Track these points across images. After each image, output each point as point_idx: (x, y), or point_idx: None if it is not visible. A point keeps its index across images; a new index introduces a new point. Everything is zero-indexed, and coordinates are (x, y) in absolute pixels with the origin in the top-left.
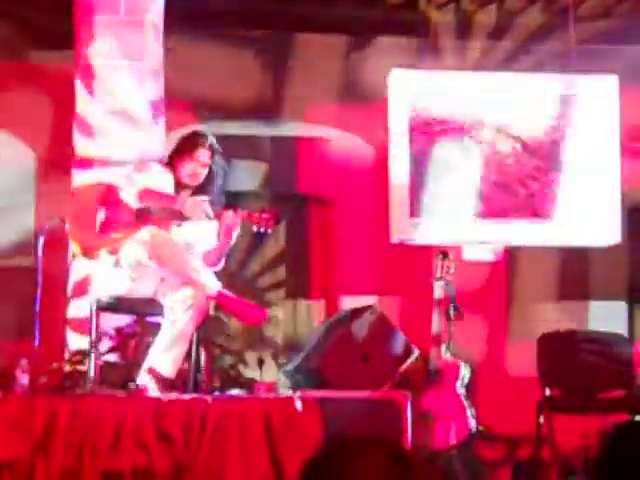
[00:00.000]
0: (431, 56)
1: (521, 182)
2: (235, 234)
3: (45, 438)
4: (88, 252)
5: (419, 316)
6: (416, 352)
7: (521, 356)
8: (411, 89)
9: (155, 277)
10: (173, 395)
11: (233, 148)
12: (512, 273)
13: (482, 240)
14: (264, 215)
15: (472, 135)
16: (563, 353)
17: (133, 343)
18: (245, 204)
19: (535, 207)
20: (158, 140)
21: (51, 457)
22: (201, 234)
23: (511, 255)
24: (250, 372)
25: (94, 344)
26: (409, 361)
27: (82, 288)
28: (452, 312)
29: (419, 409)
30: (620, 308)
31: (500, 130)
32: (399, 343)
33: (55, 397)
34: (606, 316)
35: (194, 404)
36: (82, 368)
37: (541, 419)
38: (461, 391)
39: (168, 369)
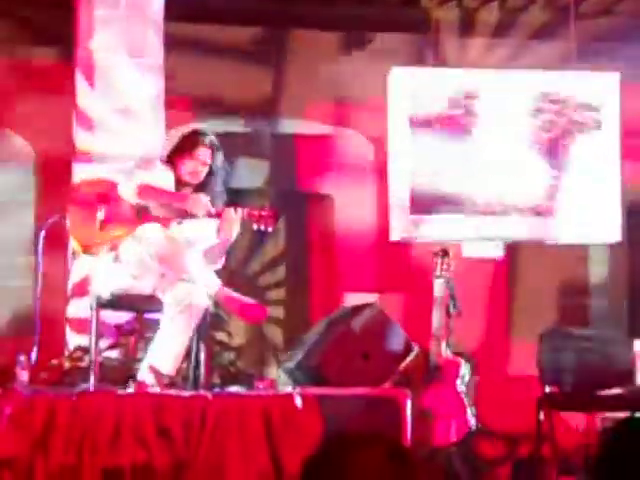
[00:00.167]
0: (432, 54)
1: (521, 179)
2: (235, 232)
3: (45, 435)
4: (88, 249)
5: (419, 313)
6: (416, 349)
7: (521, 354)
8: (411, 87)
9: (155, 274)
10: (173, 392)
11: (233, 146)
12: (513, 270)
13: (482, 237)
14: (264, 213)
15: (472, 132)
16: (563, 351)
17: (133, 340)
18: (245, 201)
19: (536, 205)
20: (158, 136)
21: (51, 454)
22: (201, 231)
23: (512, 252)
24: (250, 369)
25: (94, 341)
26: (409, 358)
27: (82, 288)
28: (452, 309)
29: (419, 406)
30: (620, 306)
31: (501, 127)
32: (399, 340)
33: (55, 394)
34: (606, 314)
35: (194, 401)
36: (82, 365)
37: (541, 417)
38: (461, 388)
39: (168, 366)
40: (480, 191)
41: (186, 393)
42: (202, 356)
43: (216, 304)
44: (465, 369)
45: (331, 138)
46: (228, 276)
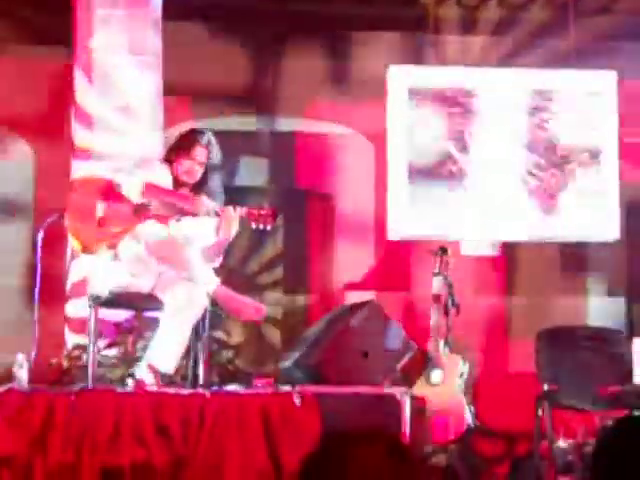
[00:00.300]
0: (430, 51)
1: (520, 177)
2: (234, 231)
3: (44, 433)
4: (87, 247)
5: (418, 312)
6: (415, 347)
7: (520, 352)
8: (410, 85)
9: (154, 272)
10: (171, 390)
11: (232, 144)
12: (511, 268)
13: (481, 235)
14: (262, 212)
15: (471, 131)
16: (562, 349)
17: (131, 338)
18: (244, 199)
19: (534, 203)
20: (157, 135)
21: (50, 452)
22: (200, 230)
23: (510, 250)
24: (248, 367)
25: (92, 339)
26: (407, 357)
27: (80, 288)
28: (451, 307)
29: (417, 405)
30: (619, 304)
31: (499, 126)
32: (398, 338)
33: (53, 393)
34: (605, 312)
35: (192, 399)
36: (81, 363)
37: (539, 414)
38: (459, 387)
39: (166, 364)
40: (478, 190)
41: (185, 391)
42: (201, 355)
43: (214, 302)
44: (463, 367)
45: (330, 136)
46: (227, 274)
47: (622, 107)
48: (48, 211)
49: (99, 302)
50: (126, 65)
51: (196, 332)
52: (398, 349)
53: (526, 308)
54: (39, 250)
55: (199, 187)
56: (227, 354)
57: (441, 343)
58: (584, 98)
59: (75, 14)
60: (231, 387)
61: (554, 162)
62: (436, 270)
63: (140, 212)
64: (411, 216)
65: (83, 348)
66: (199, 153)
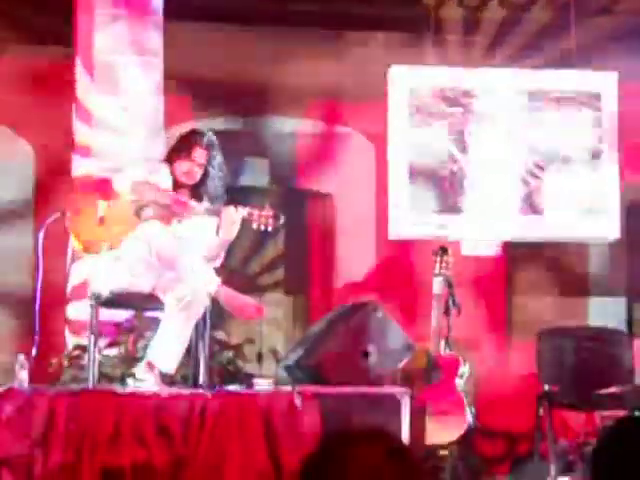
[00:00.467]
0: (431, 52)
1: (521, 177)
2: (235, 231)
3: (44, 433)
4: (88, 247)
5: (418, 312)
6: (415, 348)
7: (521, 352)
8: (411, 85)
9: (155, 272)
10: (172, 390)
11: (233, 144)
12: (512, 269)
13: (481, 235)
14: (264, 213)
15: (471, 131)
16: (562, 349)
17: (132, 338)
18: (245, 199)
19: (535, 203)
20: (157, 134)
21: (50, 452)
22: (201, 230)
23: (511, 250)
24: (249, 367)
25: (93, 339)
26: (408, 357)
27: (81, 291)
28: (451, 308)
29: (418, 405)
30: (619, 304)
31: (500, 126)
32: (398, 339)
33: (54, 393)
34: (605, 312)
35: (193, 399)
36: (81, 363)
37: (540, 414)
38: (460, 387)
39: (167, 364)
40: (478, 190)
41: (185, 391)
42: (202, 355)
43: (215, 302)
44: (464, 367)
45: (331, 136)
46: (227, 275)
47: (623, 107)
48: (49, 211)
49: (100, 302)
50: (127, 64)
51: (197, 332)
52: (398, 349)
53: (527, 308)
54: (40, 249)
55: (198, 188)
56: (228, 354)
57: (442, 343)
58: (585, 98)
59: (76, 14)
60: (232, 387)
61: (554, 162)
62: (437, 270)
63: (141, 212)
64: (412, 216)
65: (83, 348)
66: (199, 155)
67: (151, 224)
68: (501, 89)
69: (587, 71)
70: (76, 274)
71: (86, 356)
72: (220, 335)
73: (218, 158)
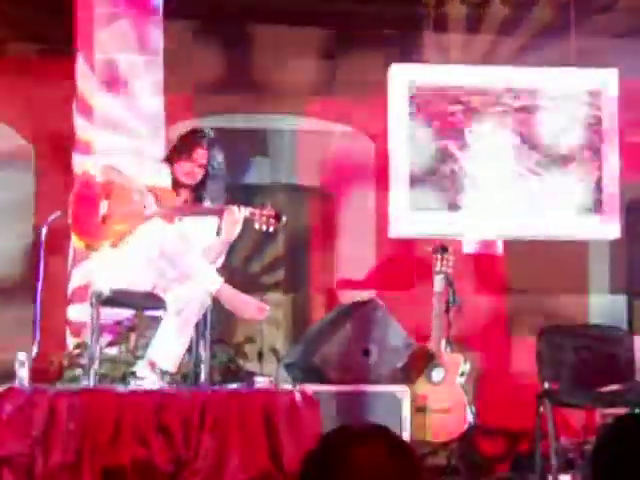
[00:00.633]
0: (432, 50)
1: (520, 176)
2: (237, 231)
3: (44, 432)
4: (90, 245)
5: (419, 310)
6: (416, 346)
7: (521, 350)
8: (411, 83)
9: (156, 271)
10: (173, 389)
11: (233, 142)
12: (513, 266)
13: (482, 233)
14: (265, 213)
15: (472, 129)
16: (563, 347)
17: (133, 337)
18: (245, 198)
19: (535, 201)
20: (158, 132)
21: (50, 451)
22: (203, 229)
23: (512, 248)
24: (250, 366)
25: (94, 338)
26: (409, 355)
27: (81, 294)
28: (452, 306)
29: (418, 403)
30: (620, 302)
31: (501, 124)
32: (399, 337)
33: (55, 392)
34: (606, 310)
35: (194, 398)
36: (82, 362)
37: (540, 413)
38: (461, 385)
39: (168, 363)
40: (478, 188)
41: (186, 390)
42: (203, 353)
43: (217, 301)
44: (465, 366)
45: (331, 135)
46: (229, 274)
47: (623, 105)
48: (50, 209)
49: (101, 300)
50: (127, 62)
51: (198, 331)
52: (399, 347)
53: (527, 306)
54: (42, 246)
55: (199, 188)
56: (229, 353)
57: (442, 342)
58: (585, 96)
59: (76, 12)
60: (232, 386)
61: (555, 160)
62: (437, 268)
63: (144, 210)
64: (412, 214)
65: (84, 347)
66: (199, 155)
67: (153, 222)
68: (501, 87)
69: (587, 69)
70: (77, 276)
71: (87, 355)
72: (222, 333)
73: (219, 157)
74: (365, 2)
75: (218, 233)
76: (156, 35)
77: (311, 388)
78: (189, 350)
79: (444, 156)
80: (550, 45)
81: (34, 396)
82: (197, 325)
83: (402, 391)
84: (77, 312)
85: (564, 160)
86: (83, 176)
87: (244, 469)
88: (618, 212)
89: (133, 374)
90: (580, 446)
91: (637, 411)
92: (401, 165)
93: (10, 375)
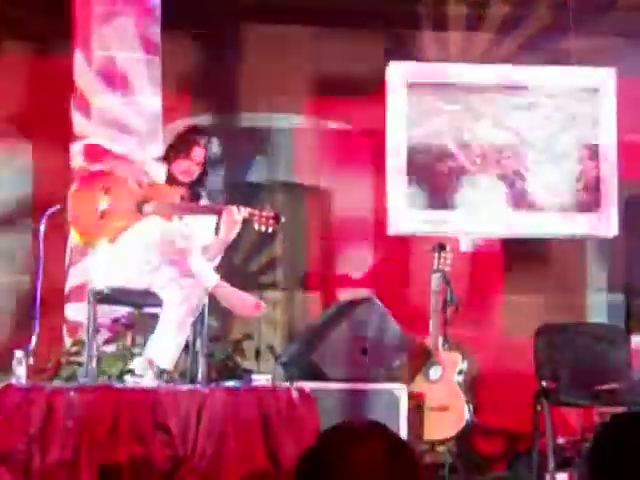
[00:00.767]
0: (430, 48)
1: (518, 174)
2: (235, 231)
3: (42, 430)
4: (88, 240)
5: (417, 308)
6: (413, 344)
7: (519, 348)
8: (409, 81)
9: (154, 268)
10: (170, 386)
11: (231, 140)
12: (510, 265)
13: (480, 232)
14: (265, 214)
15: (470, 127)
16: (560, 345)
17: (130, 334)
18: (243, 196)
19: (533, 199)
20: (156, 130)
21: (48, 449)
22: (201, 227)
23: (509, 247)
24: (247, 363)
25: (91, 335)
26: (406, 353)
27: (78, 293)
28: (449, 304)
29: (416, 401)
30: (618, 300)
31: (498, 122)
32: (396, 335)
33: (52, 389)
34: (604, 308)
35: (191, 395)
36: (79, 360)
37: (538, 411)
38: (458, 383)
39: (166, 360)
40: (475, 186)
41: (183, 388)
42: (200, 351)
43: (214, 299)
44: (462, 364)
45: (329, 132)
46: (227, 272)
47: (621, 104)
48: (48, 207)
49: (98, 298)
50: (125, 60)
51: (195, 328)
52: (397, 346)
53: (525, 305)
54: (41, 241)
55: (197, 186)
56: (226, 350)
57: (440, 340)
58: (584, 95)
59: (74, 10)
60: (230, 383)
61: (553, 159)
62: (435, 267)
63: (142, 207)
64: (410, 212)
65: (82, 344)
66: (197, 153)
67: (151, 220)
68: (499, 85)
69: (585, 67)
70: (74, 276)
71: (84, 352)
72: (219, 331)
73: (216, 156)
74: (367, 0)
75: (217, 232)
76: (154, 33)
77: (308, 386)
78: (186, 348)
79: (442, 154)
80: (548, 44)
81: (31, 393)
82: (194, 323)
83: (400, 389)
84: (74, 311)
85: (562, 158)
86: (81, 172)
87: (241, 467)
88: (616, 210)
89: (130, 371)
90: (578, 445)
91: (634, 409)
92: (399, 163)
93: (8, 372)
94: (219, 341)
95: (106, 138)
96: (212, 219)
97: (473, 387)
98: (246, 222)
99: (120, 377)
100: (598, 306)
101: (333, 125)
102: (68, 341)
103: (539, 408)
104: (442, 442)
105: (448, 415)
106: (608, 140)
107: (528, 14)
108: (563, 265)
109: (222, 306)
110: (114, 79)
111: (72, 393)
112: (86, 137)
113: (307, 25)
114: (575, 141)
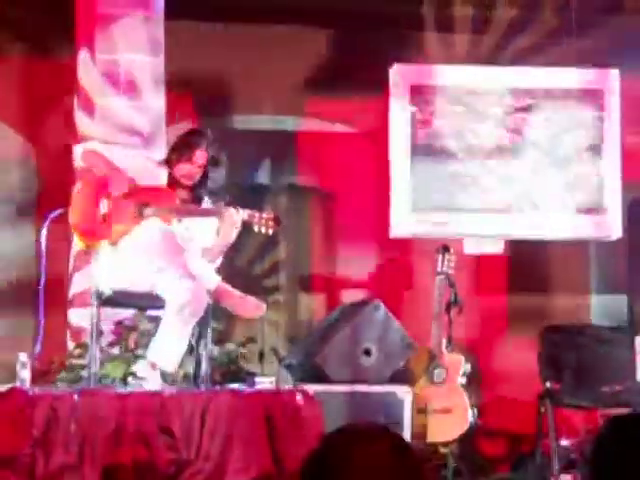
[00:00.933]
0: (433, 49)
1: (522, 176)
2: (235, 233)
3: (46, 433)
4: (90, 244)
5: (420, 310)
6: (417, 346)
7: (523, 350)
8: (413, 83)
9: (156, 270)
10: (174, 389)
11: (234, 142)
12: (514, 266)
13: (484, 233)
14: (265, 216)
15: (473, 129)
16: (564, 347)
17: (133, 337)
18: (245, 198)
19: (535, 200)
20: (159, 131)
21: (52, 452)
22: (201, 229)
23: (513, 248)
24: (251, 366)
25: (94, 338)
26: (410, 355)
27: (82, 299)
28: (453, 306)
29: (420, 403)
30: (621, 302)
31: (502, 124)
32: (400, 337)
33: (56, 392)
34: (607, 310)
35: (195, 398)
36: (83, 362)
37: (542, 413)
38: (462, 385)
39: (168, 363)
40: (479, 188)
41: (187, 391)
42: (203, 353)
43: (215, 300)
44: (466, 366)
45: (332, 135)
46: (230, 275)
47: (625, 105)
48: (51, 210)
49: (101, 301)
50: (129, 62)
51: (198, 331)
52: (400, 348)
53: (529, 306)
54: (43, 244)
55: (198, 188)
56: (229, 353)
57: (443, 342)
58: (586, 95)
59: (77, 11)
60: (233, 386)
61: (557, 160)
62: (439, 269)
63: (143, 210)
64: (413, 214)
65: (85, 347)
66: (199, 156)
67: (152, 222)
68: (502, 86)
69: (588, 68)
70: (78, 281)
71: (87, 355)
72: (222, 333)
73: (218, 158)
74: (367, 0)
75: (218, 234)
76: (158, 34)
77: (312, 388)
78: (190, 350)
79: (446, 156)
80: (551, 45)
81: (35, 397)
82: (198, 325)
83: (403, 391)
84: (78, 317)
85: (565, 160)
86: (83, 174)
87: (245, 470)
88: (620, 212)
89: (134, 374)
90: (581, 446)
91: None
92: (402, 165)
93: (12, 376)
94: (223, 344)
95: (110, 138)
96: (213, 221)
97: (476, 389)
98: (246, 224)
99: (123, 380)
100: (602, 308)
101: (336, 127)
102: (71, 345)
103: (543, 409)
104: (445, 444)
105: (451, 417)
106: (611, 141)
107: (532, 16)
108: (566, 267)
109: (225, 309)
110: (118, 80)
111: (76, 396)
112: (89, 137)
113: (311, 26)
114: (578, 142)
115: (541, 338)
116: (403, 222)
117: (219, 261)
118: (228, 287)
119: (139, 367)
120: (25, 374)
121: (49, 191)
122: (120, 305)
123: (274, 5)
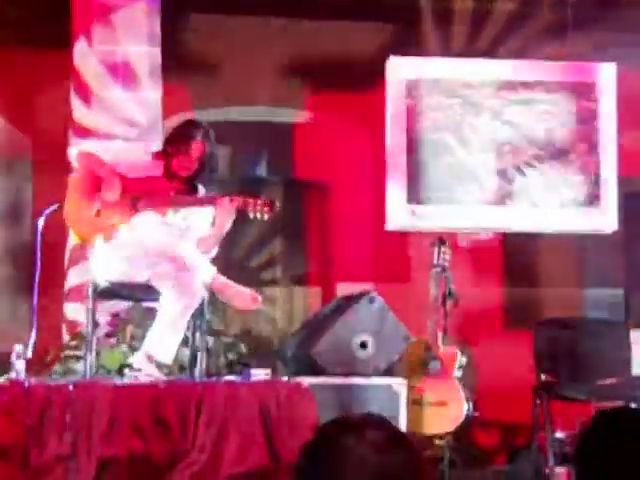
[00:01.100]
0: (430, 42)
1: (518, 169)
2: (230, 222)
3: (41, 424)
4: (85, 238)
5: (416, 303)
6: (412, 339)
7: (518, 342)
8: (408, 75)
9: (151, 262)
10: (169, 380)
11: (230, 134)
12: (510, 259)
13: (479, 227)
14: (259, 202)
15: (470, 122)
16: (560, 340)
17: (129, 328)
18: (242, 190)
19: (532, 194)
20: (155, 124)
21: (47, 443)
22: (196, 220)
23: (509, 241)
24: (246, 358)
25: (90, 330)
26: (405, 348)
27: (77, 294)
28: (449, 299)
29: (415, 396)
30: (617, 295)
31: (498, 117)
32: (396, 330)
33: (51, 383)
34: (603, 303)
35: (190, 390)
36: (78, 354)
37: (537, 405)
38: (457, 378)
39: (165, 355)
40: (475, 181)
41: (182, 382)
42: (199, 345)
43: (211, 291)
44: (461, 358)
45: (329, 127)
46: (223, 264)
47: (621, 99)
48: (47, 205)
49: (97, 292)
50: (126, 53)
51: (194, 322)
52: (396, 340)
53: (524, 299)
54: (39, 239)
55: (194, 180)
56: (225, 345)
57: (439, 334)
58: (583, 90)
59: (75, 3)
60: (229, 378)
61: (553, 154)
62: (434, 261)
63: (137, 202)
64: (409, 207)
65: (81, 338)
66: (194, 148)
67: (146, 215)
68: (499, 80)
69: (585, 62)
70: (74, 276)
71: (83, 347)
72: (217, 325)
73: (213, 150)
74: None
75: (213, 224)
76: (155, 25)
77: (307, 380)
78: (185, 342)
79: (442, 149)
80: (548, 39)
81: (30, 387)
82: (193, 317)
83: (399, 384)
84: (73, 311)
85: (562, 153)
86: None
87: (240, 461)
88: (616, 205)
89: (129, 366)
90: (576, 439)
91: (632, 405)
92: (398, 158)
93: (7, 367)
94: (218, 336)
95: (106, 127)
96: (208, 212)
97: (472, 381)
98: (241, 211)
99: (119, 371)
100: (597, 301)
101: (333, 119)
102: (67, 338)
103: (538, 402)
104: (441, 437)
105: (447, 410)
106: (608, 135)
107: (529, 10)
108: (562, 260)
109: (221, 301)
110: (116, 70)
111: (71, 387)
112: (86, 128)
113: (308, 18)
114: (575, 136)
115: (537, 331)
116: (399, 215)
117: (215, 251)
118: (223, 279)
119: (135, 358)
120: (20, 365)
121: (46, 186)
122: (117, 296)
123: None
